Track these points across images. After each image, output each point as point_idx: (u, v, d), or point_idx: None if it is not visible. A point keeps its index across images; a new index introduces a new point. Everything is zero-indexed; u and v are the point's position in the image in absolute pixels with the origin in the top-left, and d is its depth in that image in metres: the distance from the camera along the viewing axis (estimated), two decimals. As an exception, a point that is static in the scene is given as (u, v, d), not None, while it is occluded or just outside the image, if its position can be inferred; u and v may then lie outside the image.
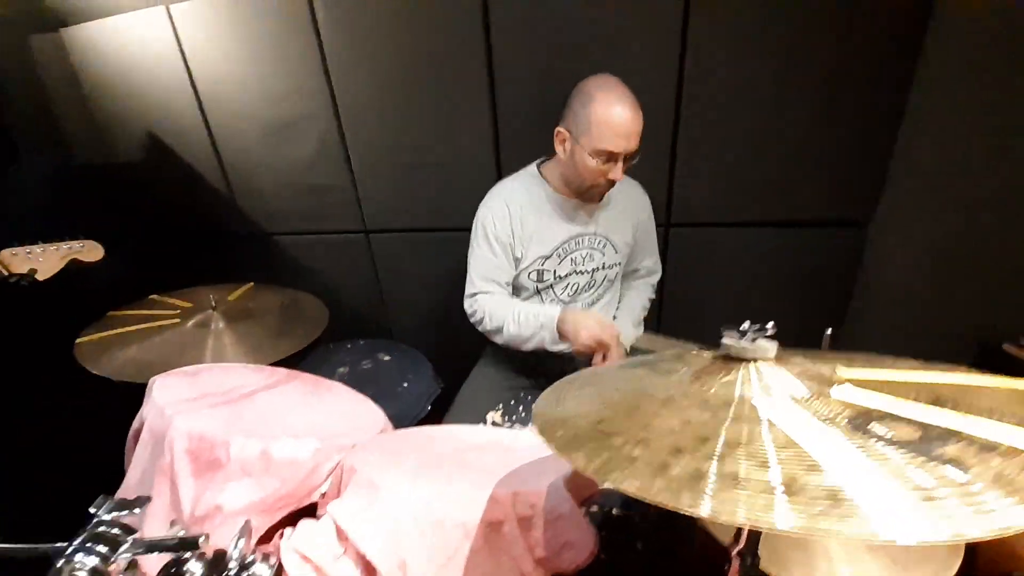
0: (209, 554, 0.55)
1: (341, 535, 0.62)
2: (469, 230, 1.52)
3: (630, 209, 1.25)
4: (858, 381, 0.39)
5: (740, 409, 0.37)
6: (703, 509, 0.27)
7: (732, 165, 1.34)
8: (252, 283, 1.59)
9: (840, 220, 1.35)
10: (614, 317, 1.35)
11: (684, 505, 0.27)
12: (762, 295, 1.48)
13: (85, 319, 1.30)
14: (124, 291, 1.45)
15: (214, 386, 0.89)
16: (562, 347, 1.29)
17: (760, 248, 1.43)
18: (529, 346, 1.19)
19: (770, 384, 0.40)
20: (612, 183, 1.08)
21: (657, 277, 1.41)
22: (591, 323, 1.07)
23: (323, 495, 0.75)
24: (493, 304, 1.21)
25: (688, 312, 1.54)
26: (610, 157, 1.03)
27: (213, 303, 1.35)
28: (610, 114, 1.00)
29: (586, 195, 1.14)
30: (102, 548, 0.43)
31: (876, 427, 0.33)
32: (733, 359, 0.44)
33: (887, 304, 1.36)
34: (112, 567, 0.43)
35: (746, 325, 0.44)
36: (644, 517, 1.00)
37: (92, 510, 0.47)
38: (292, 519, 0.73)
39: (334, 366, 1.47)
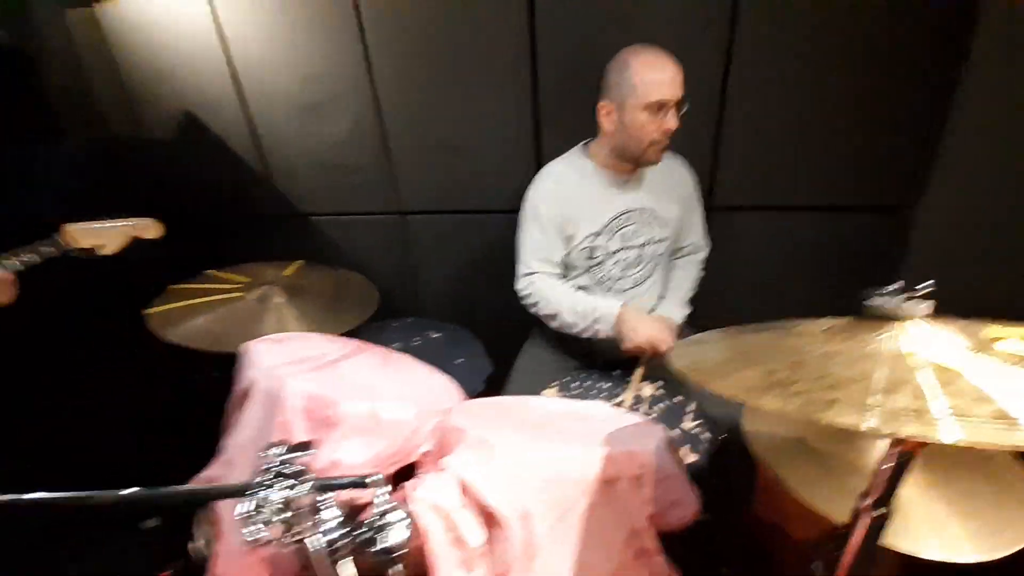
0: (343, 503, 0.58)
1: (463, 488, 0.65)
2: (507, 212, 1.54)
3: (675, 183, 1.28)
4: (1020, 335, 0.43)
5: (910, 360, 0.40)
6: (943, 436, 0.30)
7: (775, 149, 1.35)
8: (302, 261, 1.62)
9: (881, 206, 1.36)
10: (662, 296, 1.37)
11: (928, 434, 0.30)
12: (801, 280, 1.49)
13: (147, 292, 1.32)
14: (179, 266, 1.47)
15: (303, 353, 0.92)
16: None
17: (800, 233, 1.44)
18: (583, 335, 1.23)
19: (933, 339, 0.43)
20: (668, 134, 1.10)
21: (704, 254, 1.42)
22: (651, 326, 1.11)
23: (425, 453, 0.78)
24: (548, 289, 1.24)
25: (727, 297, 1.55)
26: (661, 106, 1.06)
27: (273, 278, 1.38)
28: (650, 67, 1.05)
29: (645, 156, 1.14)
30: (287, 484, 0.46)
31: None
32: (882, 319, 0.46)
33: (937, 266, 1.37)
34: (299, 502, 0.46)
35: (894, 286, 0.47)
36: (706, 490, 1.04)
37: (269, 452, 0.49)
38: (397, 476, 0.76)
39: (386, 343, 1.49)
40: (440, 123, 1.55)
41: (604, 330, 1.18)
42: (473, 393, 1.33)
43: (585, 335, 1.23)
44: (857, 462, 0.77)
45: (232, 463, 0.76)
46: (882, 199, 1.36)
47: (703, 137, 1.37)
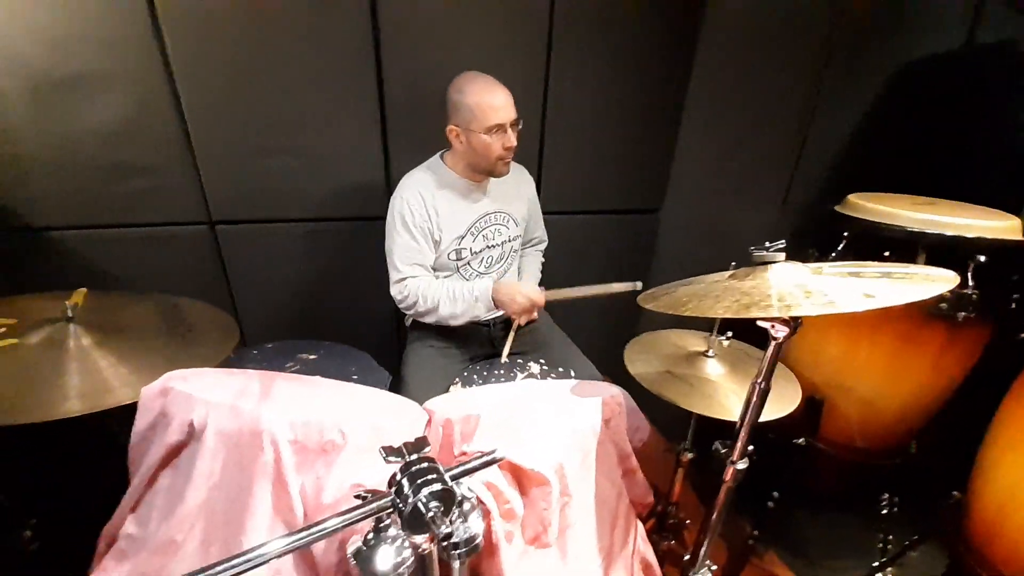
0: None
1: (502, 465, 0.68)
2: (345, 220, 1.55)
3: (521, 188, 1.49)
4: (835, 268, 0.78)
5: (777, 289, 0.70)
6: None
7: (574, 168, 1.73)
8: (85, 289, 1.17)
9: (641, 208, 1.89)
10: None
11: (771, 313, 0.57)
12: (588, 268, 1.88)
13: None
14: None
15: (231, 384, 0.73)
16: (492, 315, 1.44)
17: (592, 229, 1.85)
18: (461, 321, 1.31)
19: (788, 273, 0.74)
20: (511, 150, 1.27)
21: (545, 245, 1.69)
22: (524, 289, 1.27)
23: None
24: (424, 287, 1.29)
25: (546, 276, 1.76)
26: (499, 128, 1.20)
27: (69, 313, 0.98)
28: (486, 96, 1.17)
29: (495, 170, 1.30)
30: (434, 482, 0.43)
31: (866, 271, 0.71)
32: (758, 265, 0.76)
33: (672, 249, 1.97)
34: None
35: (767, 244, 0.77)
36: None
37: (389, 458, 0.44)
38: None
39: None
40: (267, 123, 1.38)
41: (484, 307, 1.28)
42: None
43: (463, 319, 1.31)
44: (704, 377, 1.10)
45: (180, 539, 0.57)
46: (643, 204, 1.89)
47: (532, 155, 1.63)
